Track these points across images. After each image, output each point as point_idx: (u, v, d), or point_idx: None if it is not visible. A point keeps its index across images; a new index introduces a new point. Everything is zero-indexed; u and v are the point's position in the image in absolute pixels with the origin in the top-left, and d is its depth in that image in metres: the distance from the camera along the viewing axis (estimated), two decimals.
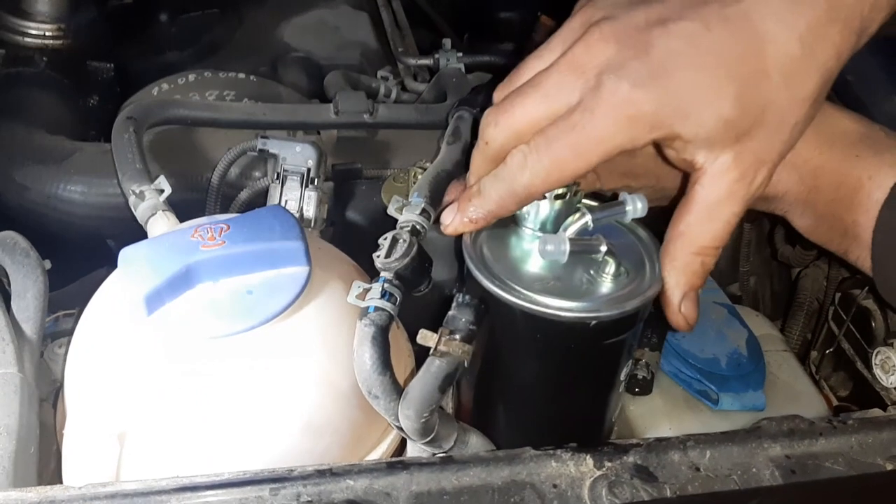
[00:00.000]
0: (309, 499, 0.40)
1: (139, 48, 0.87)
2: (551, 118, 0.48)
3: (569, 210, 0.50)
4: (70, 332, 0.59)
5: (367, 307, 0.48)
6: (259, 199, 0.67)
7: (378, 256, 0.50)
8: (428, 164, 0.65)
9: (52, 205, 0.67)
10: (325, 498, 0.40)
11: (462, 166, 0.57)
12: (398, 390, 0.46)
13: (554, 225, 0.50)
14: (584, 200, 0.51)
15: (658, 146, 0.49)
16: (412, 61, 0.86)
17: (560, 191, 0.50)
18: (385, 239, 0.51)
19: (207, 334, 0.49)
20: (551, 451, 0.44)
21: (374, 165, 0.71)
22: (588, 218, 0.49)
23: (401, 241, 0.50)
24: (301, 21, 0.92)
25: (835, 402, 0.75)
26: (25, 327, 0.53)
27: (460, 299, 0.47)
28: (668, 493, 0.44)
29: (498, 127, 0.50)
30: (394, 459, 0.44)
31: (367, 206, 0.67)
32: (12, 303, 0.54)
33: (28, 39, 0.78)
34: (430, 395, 0.45)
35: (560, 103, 0.48)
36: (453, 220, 0.51)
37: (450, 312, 0.47)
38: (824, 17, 0.48)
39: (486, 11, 1.14)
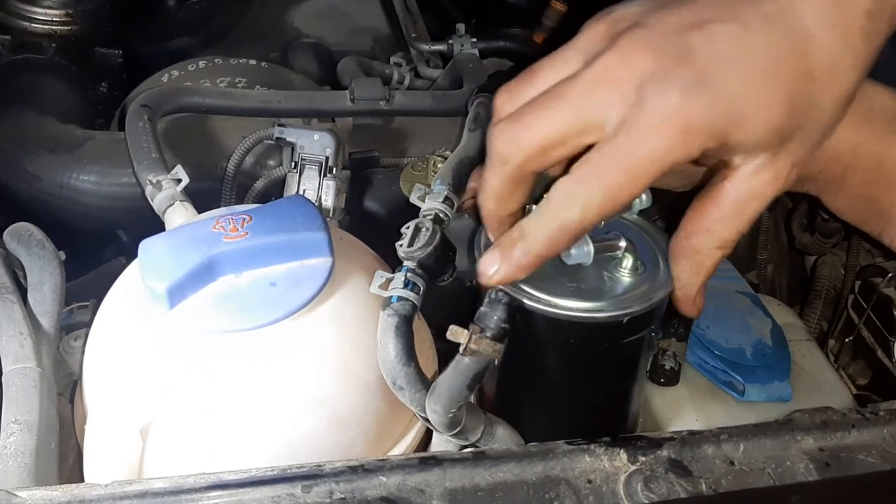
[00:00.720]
0: (342, 496, 0.39)
1: (147, 34, 0.86)
2: (581, 135, 0.45)
3: None
4: (86, 325, 0.58)
5: (391, 297, 0.47)
6: (275, 189, 0.66)
7: (401, 245, 0.49)
8: (448, 153, 0.64)
9: (65, 195, 0.66)
10: (358, 495, 0.39)
11: (484, 153, 0.56)
12: (423, 381, 0.46)
13: None
14: None
15: None
16: (425, 47, 0.85)
17: None
18: (408, 228, 0.50)
19: (231, 328, 0.48)
20: (584, 446, 0.44)
21: (390, 153, 0.70)
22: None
23: (424, 229, 0.49)
24: (311, 6, 0.91)
25: (853, 391, 0.75)
26: (42, 321, 0.52)
27: (492, 295, 0.46)
28: (704, 489, 0.43)
29: (518, 144, 0.46)
30: (426, 454, 0.43)
31: (385, 195, 0.66)
32: (29, 296, 0.53)
33: (35, 25, 0.77)
34: (459, 392, 0.44)
35: (593, 119, 0.44)
36: (499, 269, 0.46)
37: (481, 309, 0.45)
38: (862, 10, 0.46)
39: None
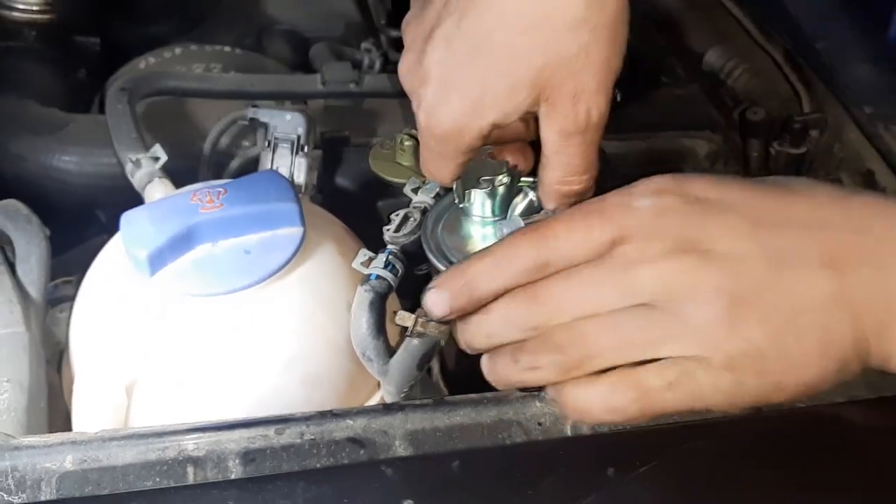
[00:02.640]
0: (312, 437, 0.43)
1: (124, 23, 0.88)
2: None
3: (511, 193, 0.53)
4: (70, 298, 0.61)
5: (369, 274, 0.51)
6: (250, 167, 0.69)
7: (388, 230, 0.53)
8: (414, 132, 0.68)
9: (48, 174, 0.69)
10: (326, 436, 0.43)
11: None
12: (391, 354, 0.49)
13: (501, 209, 0.53)
14: (524, 179, 0.54)
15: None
16: (394, 33, 0.88)
17: (503, 179, 0.52)
18: (397, 215, 0.54)
19: (208, 292, 0.51)
20: (535, 393, 0.47)
21: (361, 133, 0.73)
22: (532, 195, 0.52)
23: (412, 219, 0.54)
24: None
25: None
26: (30, 290, 0.55)
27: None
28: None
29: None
30: (390, 403, 0.47)
31: (355, 172, 0.69)
32: (17, 267, 0.56)
33: (16, 14, 0.79)
34: (409, 371, 0.48)
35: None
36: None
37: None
38: None
39: None
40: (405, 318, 0.48)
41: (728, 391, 0.41)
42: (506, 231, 0.51)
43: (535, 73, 0.49)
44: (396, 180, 0.68)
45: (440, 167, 0.53)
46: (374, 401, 0.57)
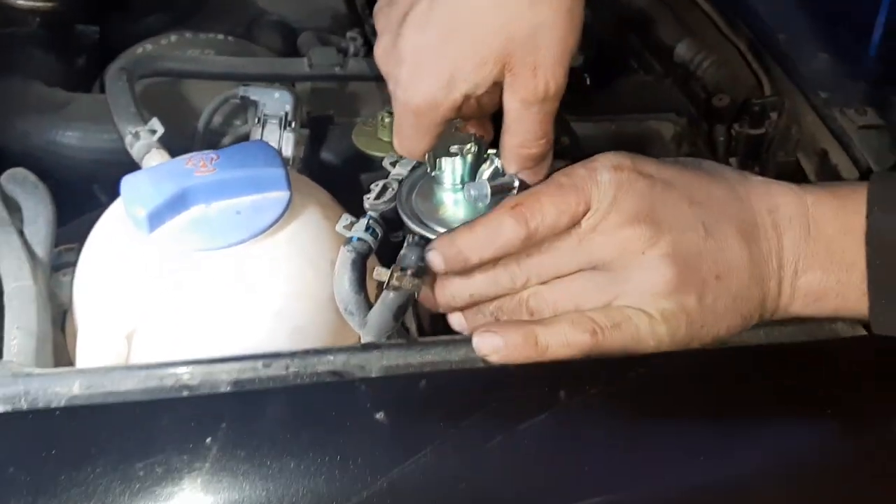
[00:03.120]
0: (296, 370, 0.47)
1: (123, 13, 0.93)
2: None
3: (479, 161, 0.58)
4: (72, 264, 0.65)
5: (352, 237, 0.56)
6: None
7: (368, 198, 0.58)
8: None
9: (52, 150, 0.73)
10: (309, 369, 0.47)
11: None
12: (370, 308, 0.54)
13: (470, 176, 0.58)
14: (491, 150, 0.59)
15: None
16: None
17: (471, 147, 0.58)
18: (376, 185, 0.59)
19: (202, 247, 0.56)
20: None
21: (344, 113, 0.78)
22: (497, 162, 0.57)
23: (390, 188, 0.59)
24: None
25: None
26: (37, 249, 0.60)
27: (410, 240, 0.55)
28: None
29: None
30: (367, 343, 0.52)
31: (338, 147, 0.74)
32: (25, 228, 0.61)
33: (20, 2, 0.84)
34: (386, 323, 0.52)
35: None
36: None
37: (402, 252, 0.54)
38: None
39: None
40: (382, 274, 0.53)
41: (661, 338, 0.50)
42: (473, 193, 0.56)
43: (500, 47, 0.55)
44: (377, 154, 0.73)
45: (414, 141, 0.58)
46: None
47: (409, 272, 0.53)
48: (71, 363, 0.59)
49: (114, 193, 0.64)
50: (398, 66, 0.57)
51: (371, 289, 0.55)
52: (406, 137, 0.58)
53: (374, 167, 0.72)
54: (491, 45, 0.55)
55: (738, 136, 0.87)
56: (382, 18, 0.59)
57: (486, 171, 0.58)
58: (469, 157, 0.58)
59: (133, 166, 0.67)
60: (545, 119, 0.56)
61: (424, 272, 0.53)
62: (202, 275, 0.56)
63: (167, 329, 0.56)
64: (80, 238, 0.66)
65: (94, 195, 0.77)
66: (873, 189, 0.55)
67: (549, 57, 0.56)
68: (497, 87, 0.57)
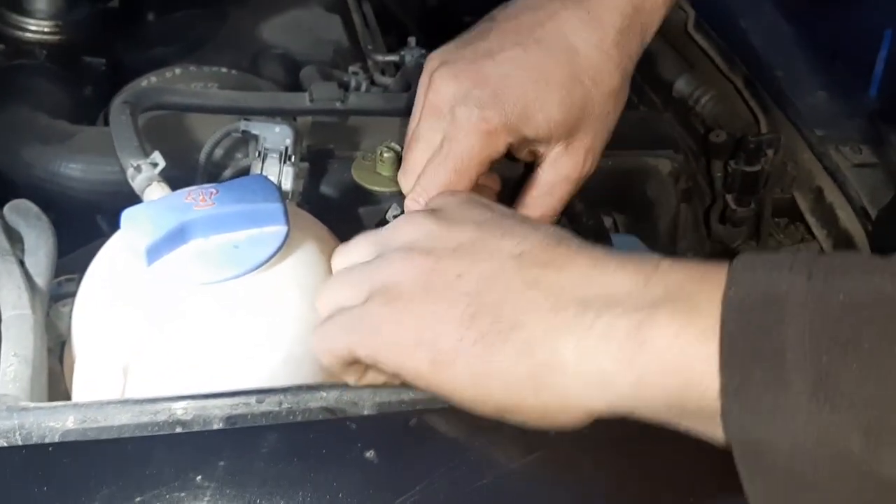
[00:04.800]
0: (289, 405, 0.48)
1: (129, 45, 0.94)
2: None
3: None
4: (72, 295, 0.66)
5: None
6: (243, 176, 0.75)
7: None
8: (394, 144, 0.74)
9: (56, 181, 0.74)
10: (302, 405, 0.48)
11: None
12: None
13: None
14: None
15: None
16: (380, 58, 0.94)
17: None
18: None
19: (200, 281, 0.57)
20: None
21: (344, 147, 0.79)
22: None
23: None
24: (279, 21, 1.00)
25: None
26: (37, 280, 0.60)
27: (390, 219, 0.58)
28: None
29: (404, 175, 0.63)
30: None
31: (338, 181, 0.75)
32: (25, 259, 0.61)
33: (28, 35, 0.85)
34: None
35: (435, 141, 0.60)
36: None
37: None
38: (614, 29, 0.61)
39: (451, 15, 1.23)
40: None
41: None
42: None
43: (573, 117, 0.59)
44: (377, 189, 0.74)
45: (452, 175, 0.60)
46: None
47: None
48: (67, 394, 0.60)
49: (117, 224, 0.65)
50: (480, 86, 0.59)
51: None
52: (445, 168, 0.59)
53: (372, 201, 0.73)
54: (564, 112, 0.59)
55: (734, 172, 0.87)
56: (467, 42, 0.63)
57: None
58: None
59: (135, 198, 0.68)
60: (569, 198, 0.61)
61: None
62: (199, 308, 0.57)
63: (164, 362, 0.56)
64: (83, 268, 0.67)
65: (97, 225, 0.78)
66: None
67: (601, 142, 0.62)
68: (525, 145, 0.60)
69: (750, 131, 0.90)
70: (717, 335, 0.37)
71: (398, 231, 0.52)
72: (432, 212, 0.52)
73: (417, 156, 0.61)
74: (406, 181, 0.63)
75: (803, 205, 0.85)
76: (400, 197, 0.72)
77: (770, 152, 0.86)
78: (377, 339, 0.46)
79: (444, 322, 0.44)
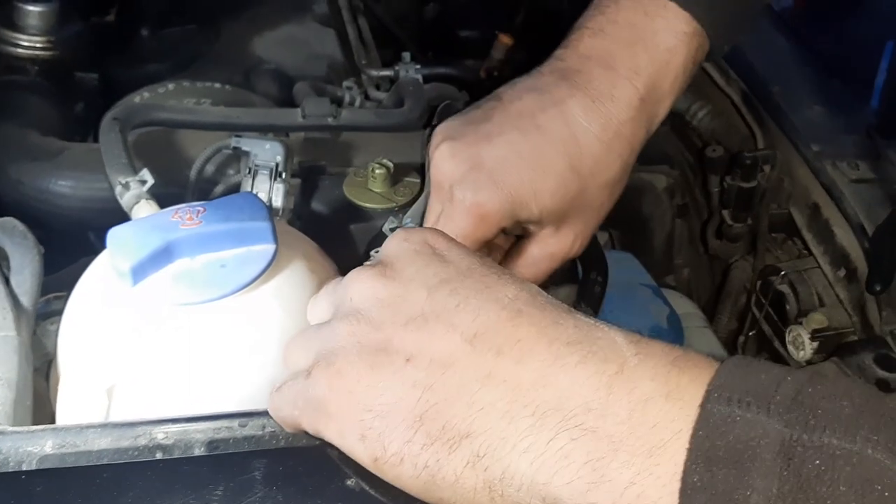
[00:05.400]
0: (272, 429, 0.47)
1: (122, 60, 0.94)
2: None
3: None
4: (60, 313, 0.65)
5: None
6: (233, 193, 0.74)
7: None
8: (386, 161, 0.73)
9: (45, 198, 0.74)
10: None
11: None
12: None
13: None
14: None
15: None
16: (374, 73, 0.94)
17: None
18: (376, 252, 0.60)
19: (186, 301, 0.56)
20: None
21: (336, 163, 0.78)
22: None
23: None
24: (273, 36, 1.00)
25: None
26: (23, 300, 0.60)
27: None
28: None
29: None
30: None
31: (330, 198, 0.75)
32: (11, 278, 0.61)
33: (20, 50, 0.85)
34: None
35: (436, 213, 0.61)
36: None
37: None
38: (615, 123, 0.60)
39: (447, 29, 1.23)
40: None
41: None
42: None
43: (565, 206, 0.59)
44: (368, 205, 0.73)
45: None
46: None
47: None
48: (53, 413, 0.59)
49: (105, 241, 0.64)
50: (477, 169, 0.59)
51: None
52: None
53: (364, 217, 0.73)
54: (563, 199, 0.59)
55: (730, 188, 0.87)
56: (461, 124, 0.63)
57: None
58: None
59: (124, 215, 0.67)
60: (552, 271, 0.62)
61: None
62: (184, 329, 0.56)
63: (149, 384, 0.55)
64: (71, 286, 0.66)
65: (87, 242, 0.77)
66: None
67: (591, 228, 0.62)
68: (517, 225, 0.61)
69: (747, 146, 0.89)
70: (679, 485, 0.34)
71: (348, 291, 0.47)
72: (383, 270, 0.46)
73: (427, 225, 0.63)
74: None
75: (800, 220, 0.84)
76: (392, 212, 0.72)
77: (767, 168, 0.86)
78: (321, 420, 0.43)
79: (389, 417, 0.40)
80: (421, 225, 0.64)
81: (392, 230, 0.63)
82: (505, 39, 1.18)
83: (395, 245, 0.49)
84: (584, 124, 0.59)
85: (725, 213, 0.88)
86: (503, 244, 0.66)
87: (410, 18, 1.19)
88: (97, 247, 0.79)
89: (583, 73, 0.60)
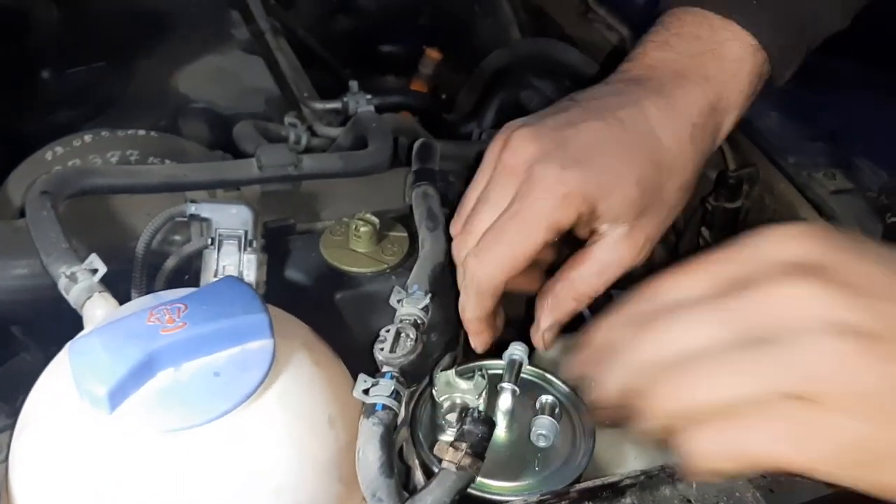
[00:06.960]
0: None
1: (22, 109, 0.80)
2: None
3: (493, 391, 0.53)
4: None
5: (374, 404, 0.48)
6: (186, 266, 0.64)
7: (381, 350, 0.51)
8: (369, 215, 0.65)
9: None
10: None
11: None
12: (401, 494, 0.47)
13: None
14: (490, 371, 0.54)
15: None
16: (319, 106, 0.84)
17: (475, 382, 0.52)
18: (387, 331, 0.52)
19: (177, 426, 0.46)
20: (554, 500, 0.45)
21: (303, 218, 0.69)
22: (511, 386, 0.52)
23: (404, 335, 0.52)
24: (196, 69, 0.89)
25: None
26: None
27: (475, 414, 0.48)
28: None
29: (463, 240, 0.58)
30: None
31: (305, 262, 0.65)
32: None
33: None
34: None
35: (503, 204, 0.56)
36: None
37: (465, 427, 0.47)
38: (689, 126, 0.59)
39: (370, 46, 1.14)
40: (442, 450, 0.47)
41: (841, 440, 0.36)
42: (542, 433, 0.53)
43: (645, 201, 0.56)
44: (353, 269, 0.64)
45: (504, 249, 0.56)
46: None
47: (472, 451, 0.46)
48: None
49: (38, 337, 0.53)
50: (563, 148, 0.56)
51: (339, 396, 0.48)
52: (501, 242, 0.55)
53: (350, 284, 0.64)
54: (644, 193, 0.56)
55: (714, 209, 0.83)
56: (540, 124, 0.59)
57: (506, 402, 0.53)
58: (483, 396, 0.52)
59: (60, 302, 0.56)
60: (613, 281, 0.58)
61: (485, 453, 0.47)
62: (177, 458, 0.46)
63: None
64: (3, 393, 0.55)
65: (12, 338, 0.64)
66: None
67: (660, 234, 0.59)
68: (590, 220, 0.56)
69: (717, 165, 0.86)
70: None
71: (784, 308, 0.37)
72: (820, 272, 0.37)
73: (484, 218, 0.56)
74: (461, 246, 0.58)
75: None
76: (384, 276, 0.63)
77: (747, 187, 0.82)
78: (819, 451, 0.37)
79: None
80: (430, 292, 0.56)
81: (400, 301, 0.54)
82: (433, 54, 1.11)
83: (803, 244, 0.39)
84: (662, 123, 0.58)
85: (708, 233, 0.85)
86: (548, 257, 0.61)
87: (316, 31, 1.10)
88: (24, 342, 0.66)
89: (653, 79, 0.60)
